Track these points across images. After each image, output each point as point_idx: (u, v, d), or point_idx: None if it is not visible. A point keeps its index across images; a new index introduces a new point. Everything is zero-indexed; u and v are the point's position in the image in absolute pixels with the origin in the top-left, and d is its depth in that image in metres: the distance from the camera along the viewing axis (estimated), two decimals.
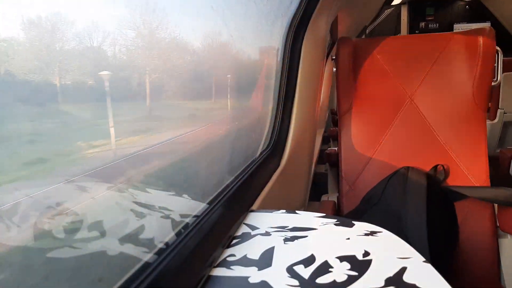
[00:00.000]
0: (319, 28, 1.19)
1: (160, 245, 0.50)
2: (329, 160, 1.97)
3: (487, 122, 1.29)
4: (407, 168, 1.24)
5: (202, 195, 0.64)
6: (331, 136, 2.93)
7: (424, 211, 1.08)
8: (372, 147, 1.34)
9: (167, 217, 0.56)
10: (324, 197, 1.51)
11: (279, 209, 0.71)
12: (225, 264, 0.52)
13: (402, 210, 1.12)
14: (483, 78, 1.27)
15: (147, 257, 0.46)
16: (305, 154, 1.30)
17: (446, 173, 1.25)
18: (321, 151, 2.22)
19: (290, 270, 0.49)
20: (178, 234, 0.53)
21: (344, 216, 1.32)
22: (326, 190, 2.06)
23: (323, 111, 2.97)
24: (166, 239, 0.51)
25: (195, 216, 0.60)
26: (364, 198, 1.28)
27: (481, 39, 1.27)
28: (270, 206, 0.88)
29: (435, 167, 1.25)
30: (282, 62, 1.16)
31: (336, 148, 1.77)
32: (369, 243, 0.54)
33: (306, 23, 1.14)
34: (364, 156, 1.35)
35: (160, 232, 0.51)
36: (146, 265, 0.45)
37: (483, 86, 1.27)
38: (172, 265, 0.47)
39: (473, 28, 1.34)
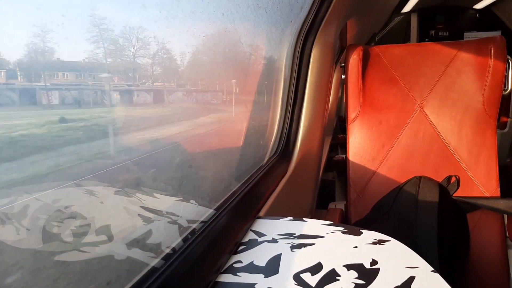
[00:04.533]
0: (329, 35, 1.19)
1: (168, 250, 0.50)
2: (337, 167, 1.96)
3: (497, 131, 1.28)
4: (420, 177, 1.22)
5: None
6: (339, 144, 2.92)
7: (435, 221, 1.07)
8: (381, 156, 1.34)
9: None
10: (331, 205, 1.50)
11: (286, 217, 0.71)
12: (232, 270, 0.52)
13: (413, 219, 1.11)
14: (493, 87, 1.26)
15: (155, 261, 0.46)
16: (312, 161, 1.30)
17: (459, 184, 1.23)
18: (329, 158, 2.21)
19: (297, 278, 0.48)
20: (185, 240, 0.54)
21: (353, 224, 1.31)
22: (334, 198, 2.04)
23: (331, 118, 2.96)
24: (173, 244, 0.51)
25: (202, 221, 0.60)
26: (374, 206, 1.27)
27: (491, 48, 1.26)
28: (277, 213, 0.88)
29: (448, 178, 1.23)
30: (291, 69, 1.16)
31: (343, 156, 1.76)
32: (377, 252, 0.54)
33: (315, 30, 1.14)
34: (372, 164, 1.34)
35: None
36: (153, 269, 0.45)
37: (493, 95, 1.26)
38: (179, 271, 0.47)
39: (483, 36, 1.33)
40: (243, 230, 0.64)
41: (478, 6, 3.61)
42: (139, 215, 0.50)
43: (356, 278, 0.47)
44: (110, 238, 0.43)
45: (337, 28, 1.26)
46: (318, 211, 1.48)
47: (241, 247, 0.59)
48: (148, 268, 0.45)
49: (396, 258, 0.52)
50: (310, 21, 1.12)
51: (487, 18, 3.65)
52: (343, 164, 1.42)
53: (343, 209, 1.40)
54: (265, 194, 0.87)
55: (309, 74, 1.17)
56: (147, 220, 0.52)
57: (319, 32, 1.15)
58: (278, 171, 1.03)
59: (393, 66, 1.38)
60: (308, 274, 0.49)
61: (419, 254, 0.53)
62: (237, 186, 0.79)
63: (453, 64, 1.33)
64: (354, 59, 1.36)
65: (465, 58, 1.32)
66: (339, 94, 3.14)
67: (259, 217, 0.72)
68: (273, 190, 0.92)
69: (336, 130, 3.33)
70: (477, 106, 1.28)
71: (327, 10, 1.11)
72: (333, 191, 2.06)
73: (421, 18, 3.86)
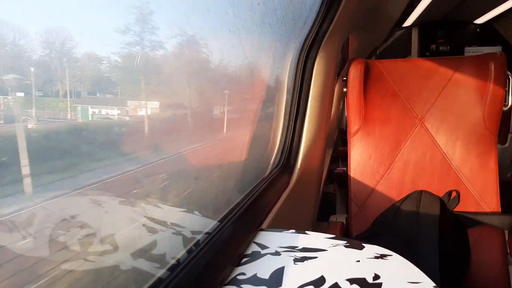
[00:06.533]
0: (331, 50, 1.21)
1: (172, 261, 0.50)
2: (338, 180, 1.96)
3: (498, 146, 1.28)
4: (420, 192, 1.22)
5: None
6: (340, 156, 2.92)
7: (436, 236, 1.07)
8: (382, 169, 1.34)
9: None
10: (332, 218, 1.50)
11: (287, 229, 0.71)
12: (235, 282, 0.52)
13: (414, 234, 1.12)
14: (494, 102, 1.27)
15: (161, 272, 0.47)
16: (314, 173, 1.30)
17: (459, 199, 1.23)
18: (330, 171, 2.22)
19: None
20: (189, 251, 0.54)
21: (353, 238, 1.31)
22: (334, 210, 2.04)
23: (332, 130, 2.97)
24: (178, 255, 0.52)
25: (206, 233, 0.60)
26: (375, 220, 1.27)
27: (492, 64, 1.28)
28: (279, 225, 0.88)
29: (449, 193, 1.23)
30: (294, 82, 1.17)
31: (344, 168, 1.77)
32: (379, 266, 0.54)
33: (318, 44, 1.16)
34: (374, 178, 1.34)
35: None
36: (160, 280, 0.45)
37: (494, 111, 1.27)
38: (184, 282, 0.47)
39: (484, 51, 1.35)
40: (246, 242, 0.65)
41: (479, 21, 3.65)
42: None
43: None
44: None
45: (339, 42, 1.28)
46: (319, 223, 1.48)
47: (244, 259, 0.59)
48: (154, 279, 0.45)
49: (398, 273, 0.53)
50: (313, 35, 1.13)
51: (488, 33, 3.67)
52: (344, 177, 1.43)
53: (344, 222, 1.40)
54: (268, 206, 0.87)
55: (311, 87, 1.18)
56: None
57: (322, 45, 1.16)
58: (280, 184, 1.04)
59: (394, 81, 1.39)
60: (311, 287, 0.49)
61: (420, 268, 0.54)
62: (240, 198, 0.79)
63: (453, 79, 1.34)
64: (356, 73, 1.38)
65: (465, 74, 1.33)
66: (341, 107, 3.15)
67: (262, 229, 0.73)
68: (275, 202, 0.93)
69: (337, 143, 3.34)
70: (478, 121, 1.29)
71: (330, 24, 1.13)
72: (334, 204, 2.05)
73: (422, 32, 3.88)
